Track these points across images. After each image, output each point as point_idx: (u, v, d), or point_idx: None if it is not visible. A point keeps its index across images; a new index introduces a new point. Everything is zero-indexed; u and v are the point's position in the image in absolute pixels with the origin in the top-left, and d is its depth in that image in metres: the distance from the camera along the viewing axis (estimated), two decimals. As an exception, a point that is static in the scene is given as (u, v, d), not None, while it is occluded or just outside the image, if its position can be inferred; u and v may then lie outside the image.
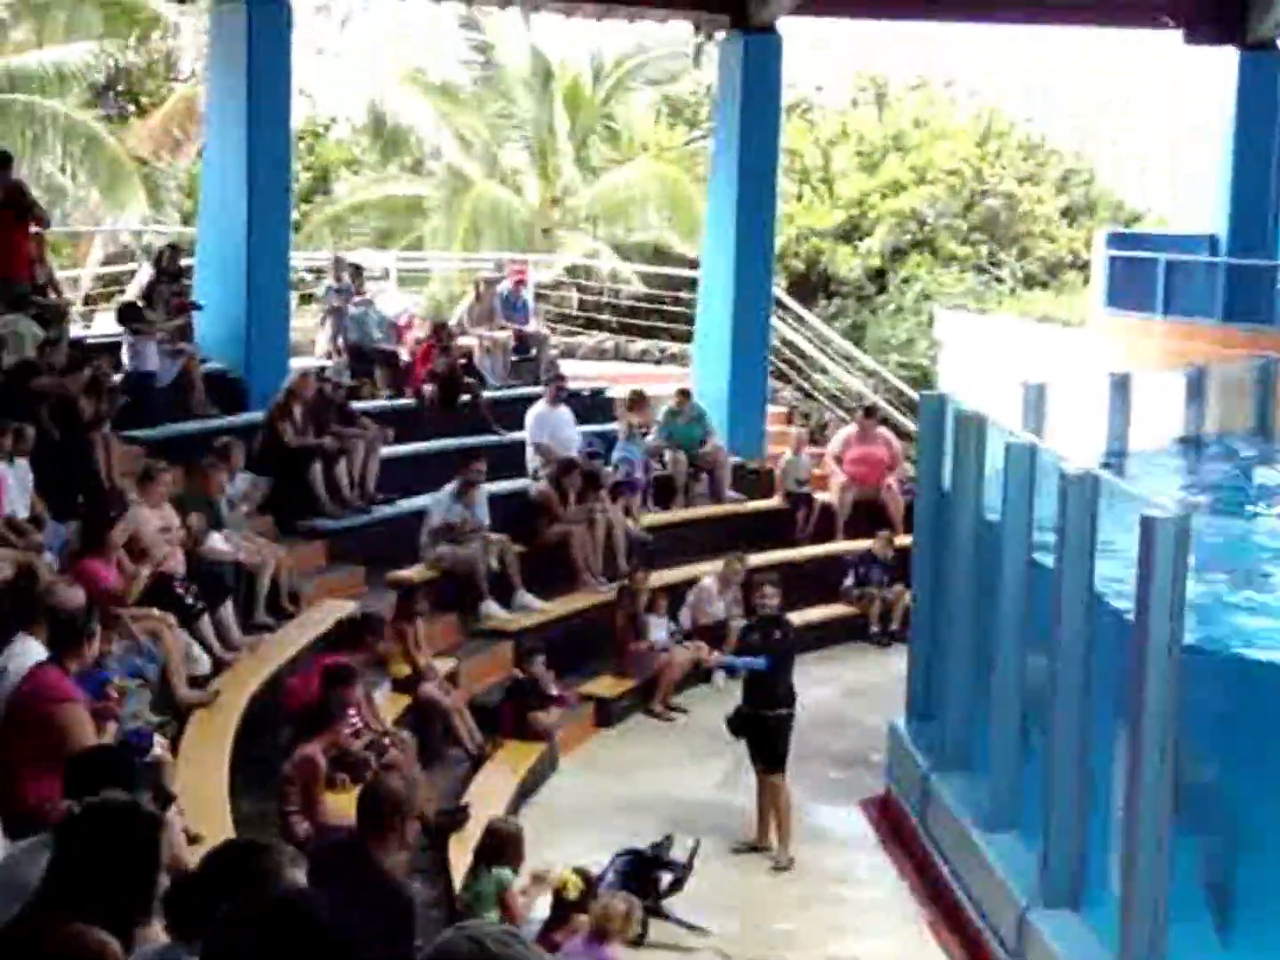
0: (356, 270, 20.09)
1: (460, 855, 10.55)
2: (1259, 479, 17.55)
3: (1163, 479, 16.03)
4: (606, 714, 15.29)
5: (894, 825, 13.07)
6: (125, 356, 15.55)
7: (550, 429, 17.93)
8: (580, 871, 9.38)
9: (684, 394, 19.77)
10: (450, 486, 15.63)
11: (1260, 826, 9.46)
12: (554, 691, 14.08)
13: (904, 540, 17.28)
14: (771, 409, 21.65)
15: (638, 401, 19.01)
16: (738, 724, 12.61)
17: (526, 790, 13.09)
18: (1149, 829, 8.71)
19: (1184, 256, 22.88)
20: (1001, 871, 10.65)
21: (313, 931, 2.94)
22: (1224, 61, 22.91)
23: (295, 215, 24.46)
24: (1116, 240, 24.16)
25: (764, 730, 12.48)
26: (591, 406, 19.71)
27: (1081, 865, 9.92)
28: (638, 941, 10.07)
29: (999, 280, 29.78)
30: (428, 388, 18.34)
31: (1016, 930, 10.10)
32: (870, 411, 20.63)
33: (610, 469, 17.84)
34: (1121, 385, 16.19)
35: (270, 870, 4.18)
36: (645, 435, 18.86)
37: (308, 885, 4.35)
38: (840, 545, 19.23)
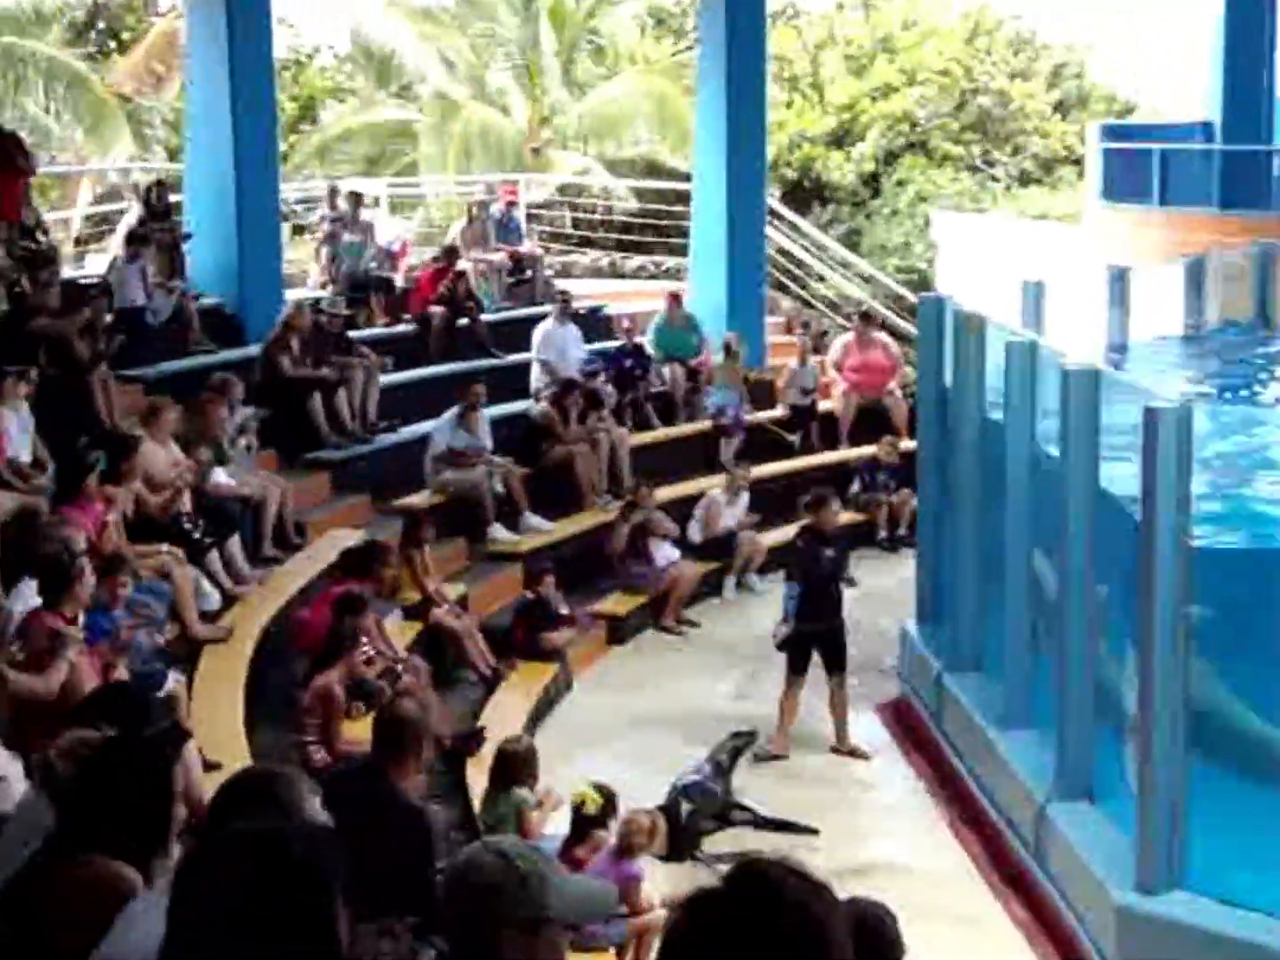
0: (357, 199, 19.97)
1: (478, 778, 10.59)
2: (1261, 368, 17.52)
3: (1165, 371, 16.00)
4: (618, 631, 15.30)
5: (909, 728, 13.12)
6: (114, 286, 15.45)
7: (558, 347, 17.89)
8: (599, 787, 9.40)
9: (675, 298, 19.69)
10: (451, 412, 15.61)
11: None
12: (564, 611, 14.10)
13: (908, 444, 17.26)
14: (770, 319, 21.57)
15: (733, 351, 19.02)
16: (797, 642, 12.64)
17: (541, 710, 13.13)
18: (1164, 719, 8.74)
19: (1179, 145, 22.70)
20: (1018, 768, 10.69)
21: (285, 865, 2.92)
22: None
23: (282, 146, 24.32)
24: (1110, 132, 23.99)
25: (831, 639, 12.62)
26: (590, 324, 19.65)
27: (1097, 758, 9.97)
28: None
29: (994, 179, 29.60)
30: (436, 309, 18.26)
31: (1035, 825, 10.16)
32: (867, 317, 20.55)
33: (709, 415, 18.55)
34: (1120, 279, 16.12)
35: (285, 797, 4.19)
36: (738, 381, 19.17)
37: (323, 813, 4.36)
38: (845, 453, 19.22)
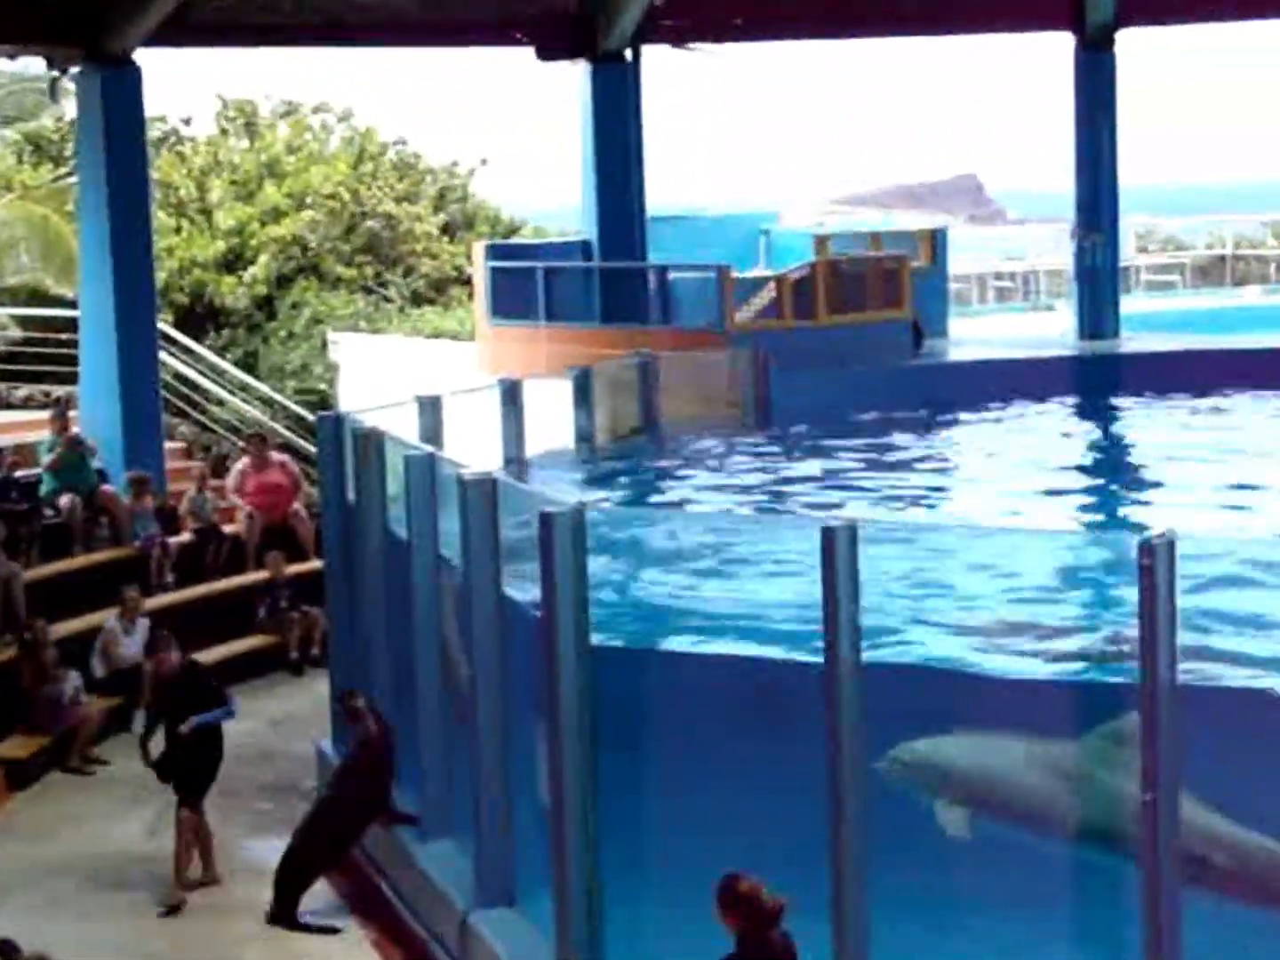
0: None
1: None
2: (649, 471, 18.38)
3: (560, 479, 16.56)
4: (21, 775, 14.64)
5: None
6: None
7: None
8: (2, 945, 8.90)
9: (61, 424, 18.96)
10: None
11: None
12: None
13: (317, 564, 17.21)
14: (169, 445, 21.19)
15: (142, 484, 18.55)
16: (173, 765, 12.40)
17: (-62, 867, 12.42)
18: (575, 817, 8.95)
19: (560, 264, 23.59)
20: (439, 878, 10.77)
21: None
22: (577, 74, 23.80)
23: None
24: (495, 252, 24.67)
25: (207, 764, 12.46)
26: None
27: (515, 863, 10.14)
28: None
29: (387, 300, 30.00)
30: None
31: (458, 934, 10.23)
32: (261, 440, 20.40)
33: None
34: (511, 393, 16.58)
35: None
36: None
37: None
38: (253, 576, 19.01)
